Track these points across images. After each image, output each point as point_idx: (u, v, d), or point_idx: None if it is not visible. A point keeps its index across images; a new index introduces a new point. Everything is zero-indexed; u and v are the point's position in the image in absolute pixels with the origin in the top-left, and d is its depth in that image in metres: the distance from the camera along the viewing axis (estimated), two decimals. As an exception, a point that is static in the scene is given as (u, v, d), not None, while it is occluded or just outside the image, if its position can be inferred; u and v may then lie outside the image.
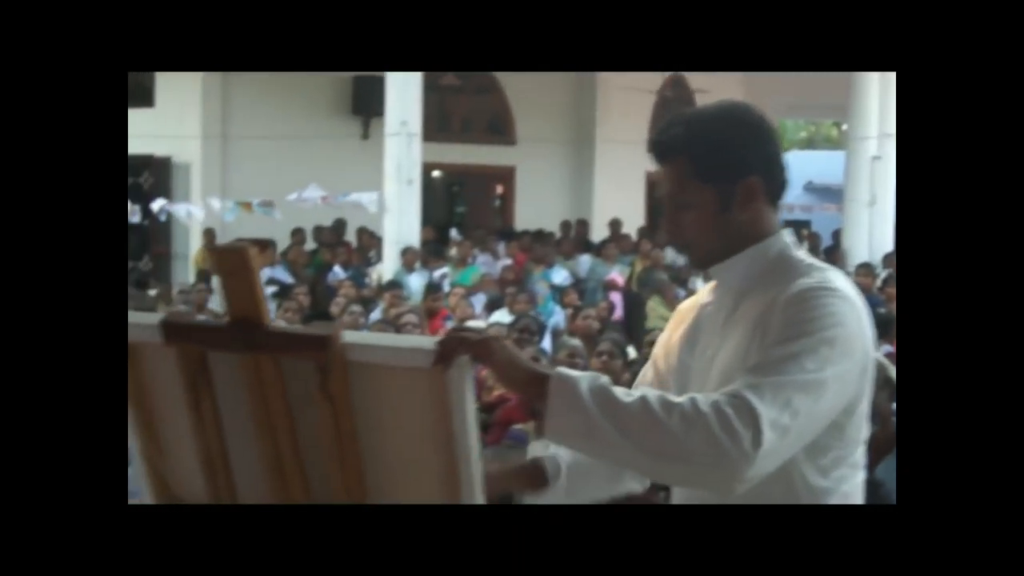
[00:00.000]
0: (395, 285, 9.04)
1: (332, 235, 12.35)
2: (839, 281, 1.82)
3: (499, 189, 15.76)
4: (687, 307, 2.09)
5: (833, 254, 12.21)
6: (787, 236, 1.93)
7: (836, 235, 13.80)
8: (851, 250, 12.35)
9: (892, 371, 3.68)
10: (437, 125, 13.42)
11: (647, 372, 2.12)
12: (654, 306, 10.36)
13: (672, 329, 2.09)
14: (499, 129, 15.08)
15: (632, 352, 6.90)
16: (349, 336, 1.71)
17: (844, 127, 13.95)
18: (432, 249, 10.88)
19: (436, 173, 14.73)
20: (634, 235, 13.21)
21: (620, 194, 15.04)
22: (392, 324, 6.63)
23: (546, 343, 7.61)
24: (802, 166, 19.64)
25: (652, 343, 6.85)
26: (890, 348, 5.93)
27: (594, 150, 15.23)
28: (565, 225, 13.92)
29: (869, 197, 12.24)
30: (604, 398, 1.67)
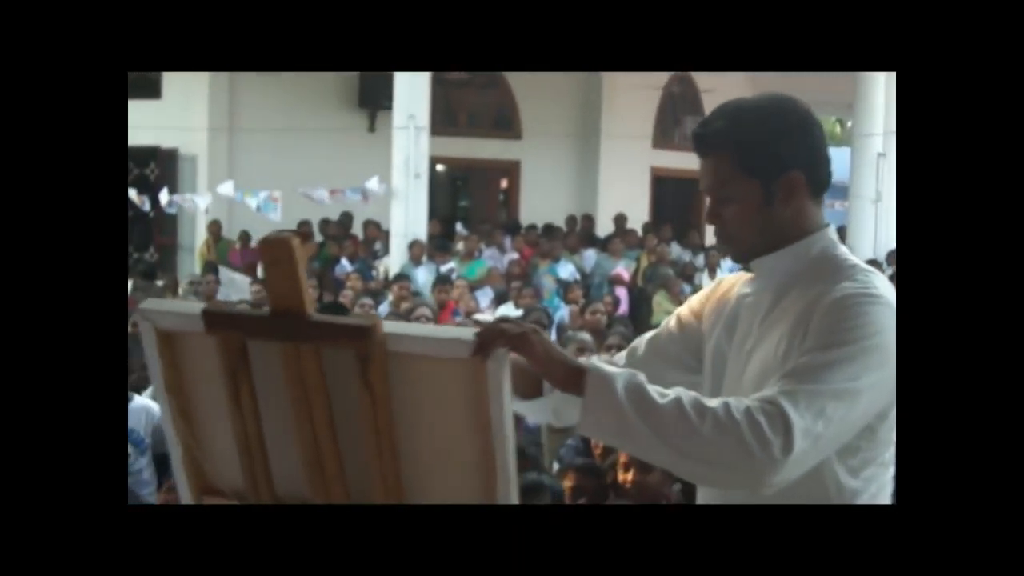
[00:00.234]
0: (403, 277, 9.07)
1: (338, 228, 12.37)
2: (882, 286, 1.82)
3: (504, 183, 15.77)
4: (727, 286, 2.08)
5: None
6: (831, 233, 1.93)
7: (841, 231, 13.79)
8: (856, 247, 12.35)
9: None
10: (443, 119, 13.43)
11: (669, 325, 2.11)
12: (660, 301, 10.39)
13: (708, 303, 2.08)
14: (505, 123, 15.09)
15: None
16: (389, 326, 1.74)
17: (849, 124, 13.94)
18: (438, 244, 10.90)
19: (439, 167, 14.74)
20: (639, 230, 13.23)
21: (625, 189, 15.05)
22: (404, 318, 6.65)
23: (551, 338, 7.61)
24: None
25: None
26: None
27: (599, 145, 15.24)
28: (571, 220, 13.94)
29: (874, 194, 12.26)
30: (639, 397, 1.69)
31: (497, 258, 11.53)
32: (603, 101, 15.15)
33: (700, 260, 11.95)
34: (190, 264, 13.43)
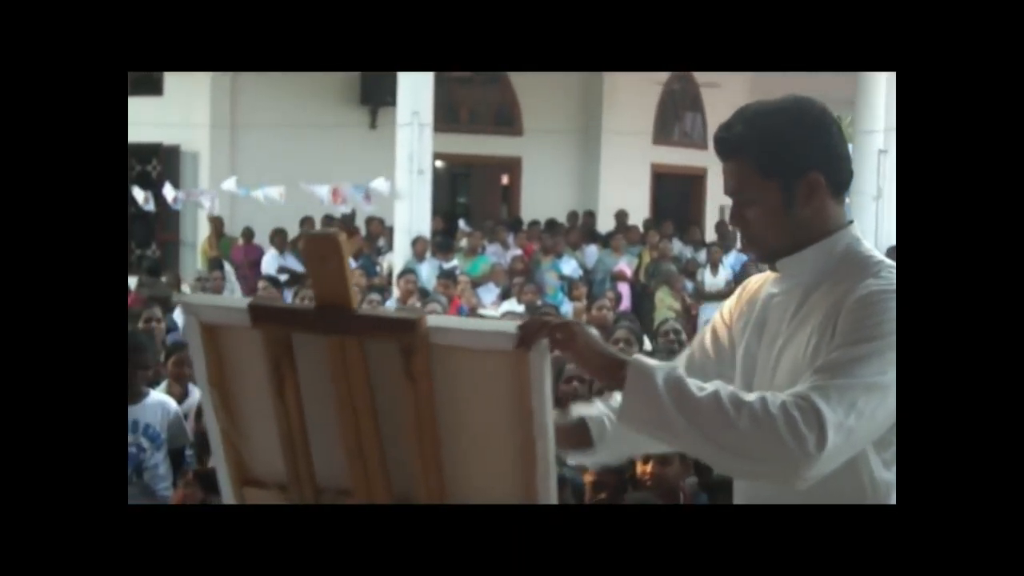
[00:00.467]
0: (409, 272, 9.11)
1: (341, 224, 12.40)
2: None
3: (505, 179, 15.79)
4: (754, 287, 2.11)
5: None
6: (854, 230, 1.96)
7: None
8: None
9: None
10: (444, 115, 13.45)
11: (704, 341, 2.15)
12: (663, 297, 10.42)
13: (738, 308, 2.11)
14: (506, 120, 15.12)
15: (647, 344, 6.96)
16: (432, 320, 1.77)
17: (849, 120, 13.96)
18: (441, 243, 10.93)
19: (439, 163, 14.77)
20: (640, 226, 13.26)
21: (626, 185, 15.09)
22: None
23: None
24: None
25: (666, 334, 6.96)
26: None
27: (600, 141, 15.27)
28: (572, 216, 13.97)
29: (875, 190, 12.30)
30: (678, 390, 1.73)
31: (500, 254, 11.56)
32: (604, 97, 15.18)
33: (702, 256, 11.98)
34: (192, 260, 13.45)
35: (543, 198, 14.72)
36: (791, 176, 1.90)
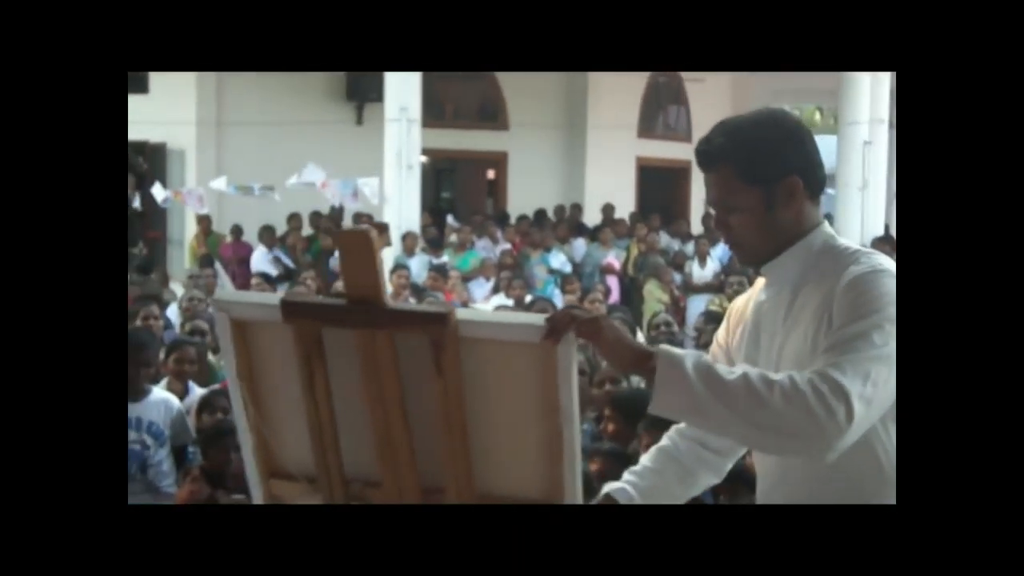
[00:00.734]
0: (401, 267, 9.14)
1: (330, 221, 12.39)
2: (885, 261, 1.95)
3: (491, 174, 15.81)
4: (740, 305, 2.22)
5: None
6: (827, 227, 2.07)
7: (828, 219, 13.80)
8: (842, 234, 12.26)
9: None
10: (430, 111, 13.45)
11: None
12: (651, 289, 10.49)
13: (730, 329, 2.21)
14: (491, 115, 15.14)
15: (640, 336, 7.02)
16: (461, 313, 1.82)
17: (825, 110, 14.03)
18: (431, 238, 10.94)
19: (423, 158, 14.78)
20: (627, 219, 13.31)
21: (611, 179, 15.13)
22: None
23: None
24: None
25: (658, 326, 7.01)
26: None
27: (585, 135, 15.31)
28: (559, 209, 14.01)
29: (860, 181, 12.37)
30: (708, 374, 1.80)
31: (490, 249, 11.59)
32: (588, 91, 15.21)
33: (690, 248, 12.04)
34: (179, 258, 13.43)
35: (529, 192, 14.75)
36: (772, 180, 2.00)
